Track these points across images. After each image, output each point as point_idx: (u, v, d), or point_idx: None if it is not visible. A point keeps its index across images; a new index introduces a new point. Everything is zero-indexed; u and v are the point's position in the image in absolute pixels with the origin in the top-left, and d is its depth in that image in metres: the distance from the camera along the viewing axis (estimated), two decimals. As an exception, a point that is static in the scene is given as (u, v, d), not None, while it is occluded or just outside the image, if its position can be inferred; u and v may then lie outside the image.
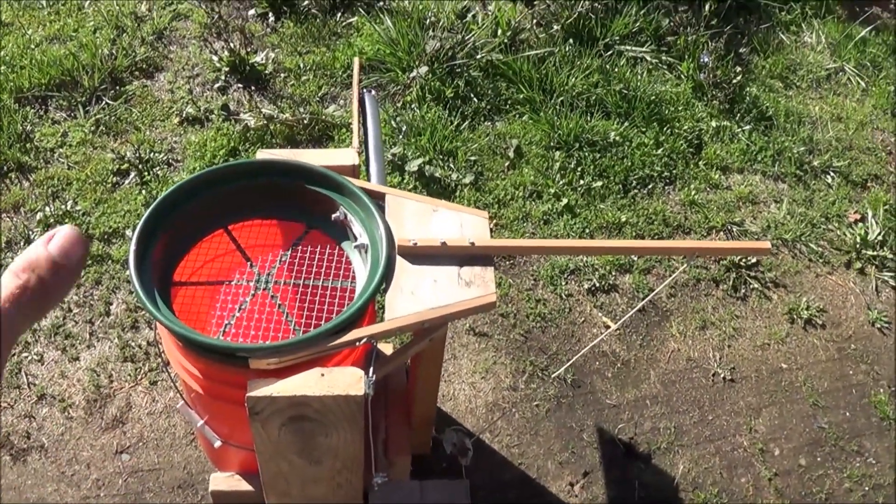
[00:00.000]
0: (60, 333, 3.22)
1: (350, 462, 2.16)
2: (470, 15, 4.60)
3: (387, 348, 2.84)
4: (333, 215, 2.18)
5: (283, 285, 2.18)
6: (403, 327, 1.99)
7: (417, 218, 2.21)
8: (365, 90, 2.64)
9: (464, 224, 2.21)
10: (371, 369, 1.94)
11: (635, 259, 3.63)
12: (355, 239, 2.15)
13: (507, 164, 3.96)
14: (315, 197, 2.22)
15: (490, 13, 4.58)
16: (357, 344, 1.93)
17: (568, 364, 3.24)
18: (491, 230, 3.61)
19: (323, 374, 1.90)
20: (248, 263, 2.21)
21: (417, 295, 2.04)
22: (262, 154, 2.34)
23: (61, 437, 2.99)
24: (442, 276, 2.09)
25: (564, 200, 3.78)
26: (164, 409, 3.05)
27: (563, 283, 3.53)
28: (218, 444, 2.29)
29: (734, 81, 4.44)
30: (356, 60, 2.73)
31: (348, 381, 1.89)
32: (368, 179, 2.40)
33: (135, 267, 1.99)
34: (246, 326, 2.13)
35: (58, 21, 4.51)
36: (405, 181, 3.74)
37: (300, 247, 2.22)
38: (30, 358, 3.15)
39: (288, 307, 2.16)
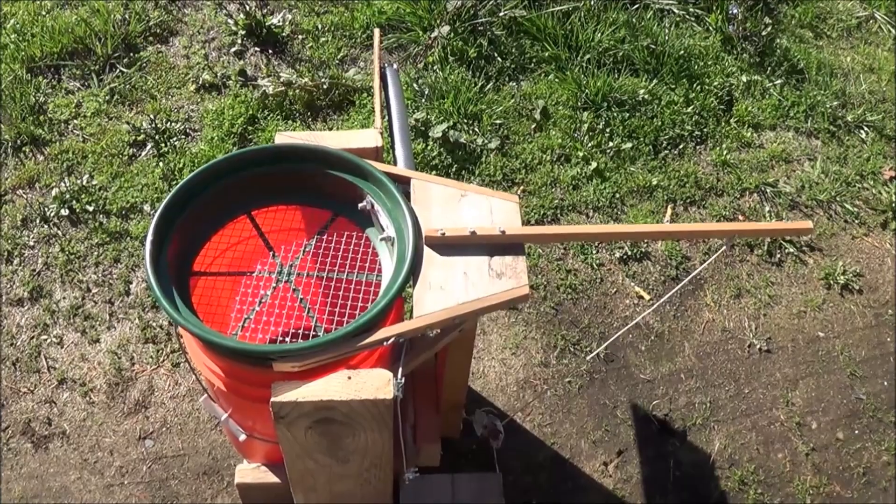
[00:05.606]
0: (80, 314, 3.15)
1: (378, 459, 2.10)
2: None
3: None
4: (360, 204, 2.09)
5: (307, 277, 2.10)
6: (433, 325, 1.90)
7: (445, 204, 2.12)
8: (386, 64, 2.53)
9: (493, 210, 2.11)
10: (400, 371, 1.87)
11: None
12: (382, 230, 2.06)
13: (533, 126, 3.84)
14: (340, 183, 2.13)
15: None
16: (384, 344, 1.85)
17: (602, 347, 3.15)
18: (519, 195, 3.52)
19: (350, 378, 1.82)
20: (271, 254, 2.13)
21: (447, 289, 1.95)
22: (281, 137, 2.24)
23: (83, 422, 2.93)
24: (472, 267, 2.00)
25: (594, 164, 3.67)
26: (187, 392, 2.99)
27: (594, 252, 3.42)
28: (243, 437, 2.23)
29: (764, 33, 4.29)
30: (377, 32, 2.62)
31: (376, 384, 1.82)
32: (394, 162, 2.30)
33: (151, 265, 1.91)
34: (266, 321, 2.05)
35: (69, -15, 4.40)
36: (429, 147, 3.63)
37: (325, 236, 2.14)
38: (49, 340, 3.08)
39: (310, 301, 2.08)
